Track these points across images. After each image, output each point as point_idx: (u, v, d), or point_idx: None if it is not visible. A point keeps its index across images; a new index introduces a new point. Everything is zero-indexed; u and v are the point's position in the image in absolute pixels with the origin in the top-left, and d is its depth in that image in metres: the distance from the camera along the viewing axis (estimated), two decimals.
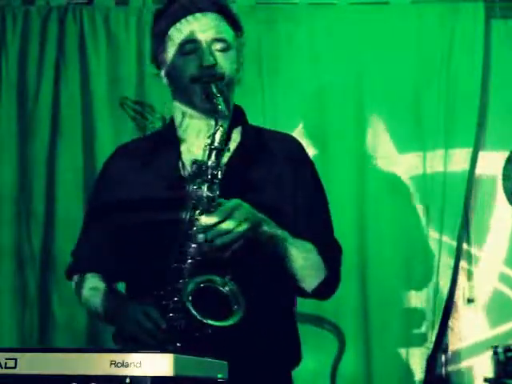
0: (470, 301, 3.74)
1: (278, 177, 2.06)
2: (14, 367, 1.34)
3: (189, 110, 2.07)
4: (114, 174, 2.15)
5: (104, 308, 2.08)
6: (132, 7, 3.81)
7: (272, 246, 1.96)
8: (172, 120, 2.16)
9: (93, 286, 2.15)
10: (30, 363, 1.34)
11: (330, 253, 2.09)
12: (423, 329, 3.66)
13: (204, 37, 2.03)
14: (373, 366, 3.67)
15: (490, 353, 3.43)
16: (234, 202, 1.88)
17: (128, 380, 1.30)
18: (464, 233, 3.74)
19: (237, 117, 2.13)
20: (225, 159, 1.98)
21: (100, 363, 1.31)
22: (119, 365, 1.30)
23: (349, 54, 3.73)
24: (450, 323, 3.73)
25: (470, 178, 3.74)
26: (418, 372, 3.66)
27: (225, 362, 1.56)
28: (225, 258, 1.85)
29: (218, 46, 2.04)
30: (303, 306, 3.45)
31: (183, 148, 2.10)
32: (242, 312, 1.81)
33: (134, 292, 2.08)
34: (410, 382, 3.67)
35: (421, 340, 3.67)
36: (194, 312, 1.79)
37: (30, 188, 3.75)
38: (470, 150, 3.72)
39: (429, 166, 3.73)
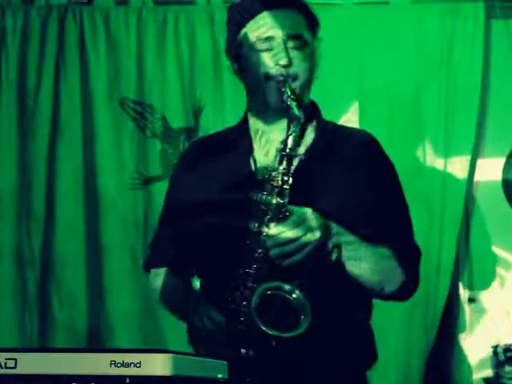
0: (470, 300, 3.74)
1: (351, 178, 2.02)
2: (14, 367, 1.34)
3: (262, 108, 2.05)
4: (187, 171, 2.14)
5: (181, 307, 2.10)
6: (132, 7, 3.81)
7: (341, 253, 1.93)
8: (246, 114, 2.14)
9: (170, 282, 2.14)
10: (30, 363, 1.34)
11: (408, 256, 2.06)
12: (423, 329, 3.66)
13: (280, 34, 2.00)
14: (373, 365, 3.66)
15: (489, 353, 3.44)
16: (305, 210, 1.85)
17: (128, 380, 1.30)
18: (464, 232, 3.74)
19: (311, 112, 2.09)
20: (301, 157, 1.95)
21: (100, 363, 1.31)
22: (119, 365, 1.31)
23: (349, 54, 3.73)
24: (449, 323, 3.73)
25: (470, 177, 3.74)
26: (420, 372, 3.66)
27: (224, 362, 1.56)
28: (293, 265, 1.82)
29: (294, 43, 2.01)
30: None
31: (256, 145, 2.08)
32: (308, 322, 1.78)
33: (209, 291, 2.05)
34: (411, 382, 3.67)
35: (421, 340, 3.66)
36: (258, 322, 1.78)
37: (29, 188, 3.75)
38: (470, 150, 3.72)
39: (429, 165, 3.73)
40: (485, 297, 3.74)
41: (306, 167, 1.98)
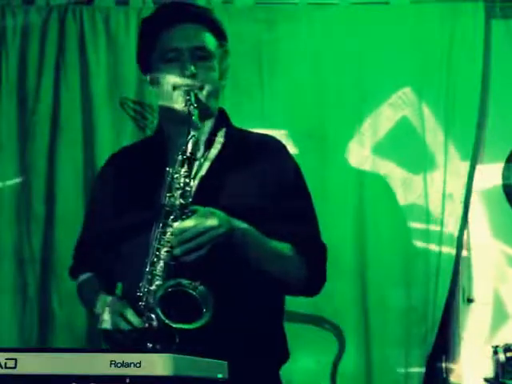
0: (470, 301, 3.74)
1: (258, 179, 2.11)
2: (14, 367, 1.34)
3: (172, 116, 2.17)
4: (107, 180, 2.27)
5: (86, 304, 2.25)
6: (132, 7, 3.81)
7: (246, 250, 2.01)
8: (161, 124, 2.29)
9: (87, 286, 2.29)
10: (30, 363, 1.34)
11: (311, 253, 2.12)
12: (423, 329, 3.66)
13: (185, 46, 2.12)
14: (373, 365, 3.67)
15: (490, 353, 3.44)
16: (208, 209, 1.94)
17: (128, 380, 1.30)
18: (464, 233, 3.74)
19: (221, 119, 2.22)
20: (207, 163, 2.10)
21: (100, 363, 1.31)
22: (119, 365, 1.31)
23: (349, 54, 3.73)
24: (449, 323, 3.73)
25: (470, 177, 3.74)
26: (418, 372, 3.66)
27: (224, 362, 1.56)
28: (197, 261, 1.90)
29: (199, 55, 2.13)
30: (303, 306, 3.47)
31: (171, 154, 2.15)
32: (210, 314, 1.85)
33: (127, 292, 2.13)
34: (411, 382, 3.67)
35: (421, 340, 3.66)
36: (161, 316, 1.86)
37: (29, 188, 3.75)
38: (470, 150, 3.72)
39: (429, 165, 3.73)
40: (484, 297, 3.73)
41: (216, 170, 2.11)
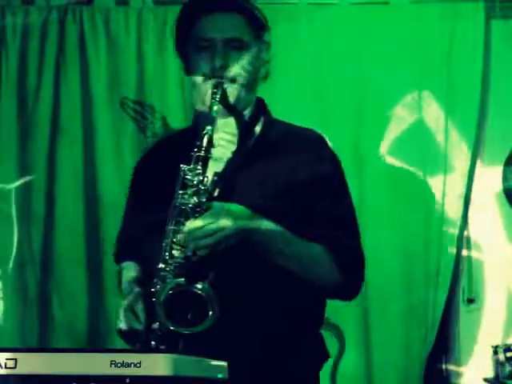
0: (470, 301, 3.74)
1: (294, 174, 2.03)
2: (14, 367, 1.34)
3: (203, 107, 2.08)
4: (150, 167, 2.22)
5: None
6: (132, 7, 3.81)
7: (269, 249, 1.94)
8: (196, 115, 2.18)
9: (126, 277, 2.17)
10: (30, 363, 1.34)
11: (347, 258, 2.03)
12: (423, 329, 3.66)
13: (219, 36, 2.05)
14: (373, 365, 3.67)
15: (490, 353, 3.44)
16: (224, 205, 1.89)
17: (128, 380, 1.30)
18: (464, 232, 3.74)
19: (258, 109, 2.16)
20: (242, 153, 2.01)
21: (100, 363, 1.31)
22: (119, 365, 1.31)
23: (349, 54, 3.73)
24: (449, 323, 3.73)
25: (470, 176, 3.74)
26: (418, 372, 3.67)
27: (224, 363, 1.56)
28: (210, 261, 1.86)
29: (233, 46, 2.06)
30: None
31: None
32: (215, 318, 1.80)
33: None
34: (411, 382, 3.67)
35: (421, 340, 3.67)
36: (164, 319, 1.81)
37: (29, 188, 3.75)
38: (471, 150, 3.72)
39: (429, 165, 3.73)
40: (484, 297, 3.74)
41: (251, 161, 2.03)
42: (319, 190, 2.03)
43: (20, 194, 3.74)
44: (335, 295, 2.11)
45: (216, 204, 1.89)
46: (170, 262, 1.89)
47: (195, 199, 1.90)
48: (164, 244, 1.90)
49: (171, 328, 1.80)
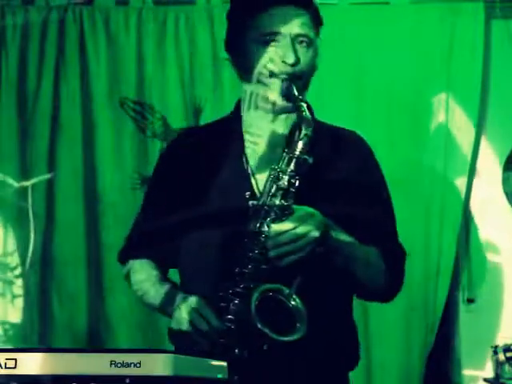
0: (470, 301, 3.74)
1: (343, 179, 2.01)
2: (14, 367, 1.34)
3: (259, 103, 2.02)
4: (175, 163, 2.11)
5: (158, 299, 2.06)
6: (132, 7, 3.81)
7: (340, 254, 1.93)
8: (238, 107, 2.11)
9: (146, 275, 2.12)
10: (30, 363, 1.34)
11: (393, 257, 2.07)
12: (423, 329, 3.66)
13: (288, 31, 1.97)
14: (373, 365, 3.66)
15: (490, 353, 3.43)
16: (307, 209, 1.84)
17: (128, 380, 1.30)
18: (464, 231, 3.74)
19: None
20: (294, 159, 1.92)
21: (100, 363, 1.31)
22: (119, 365, 1.31)
23: (349, 54, 3.73)
24: (449, 323, 3.73)
25: (470, 176, 3.74)
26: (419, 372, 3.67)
27: (224, 363, 1.56)
28: (291, 266, 1.81)
29: (302, 42, 1.99)
30: None
31: (247, 139, 2.05)
32: (304, 330, 1.77)
33: (188, 285, 2.04)
34: (410, 382, 3.67)
35: (421, 340, 3.67)
36: (256, 321, 1.76)
37: (30, 188, 3.75)
38: (470, 149, 3.72)
39: (429, 165, 3.73)
40: (484, 297, 3.74)
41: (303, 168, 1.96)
42: (368, 193, 2.03)
43: (20, 193, 3.74)
44: (377, 297, 2.14)
45: (298, 208, 1.84)
46: (247, 265, 1.83)
47: (283, 202, 1.84)
48: (245, 246, 1.84)
49: (264, 331, 1.75)
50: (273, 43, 1.96)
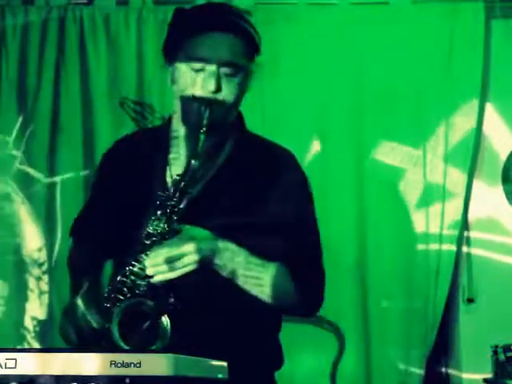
0: (470, 300, 3.74)
1: (262, 190, 2.06)
2: (14, 367, 1.34)
3: (184, 119, 2.09)
4: (111, 169, 2.22)
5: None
6: (132, 7, 3.81)
7: (231, 272, 1.98)
8: (170, 119, 2.18)
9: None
10: (30, 363, 1.34)
11: (307, 277, 2.07)
12: (423, 329, 3.66)
13: (215, 59, 2.00)
14: (373, 366, 3.67)
15: (490, 353, 3.43)
16: (189, 232, 1.91)
17: (128, 380, 1.30)
18: (464, 232, 3.74)
19: (234, 125, 2.13)
20: (212, 171, 2.04)
21: (100, 363, 1.31)
22: (119, 365, 1.31)
23: (349, 54, 3.73)
24: (449, 323, 3.73)
25: (470, 177, 3.74)
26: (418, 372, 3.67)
27: (225, 363, 1.56)
28: (169, 283, 1.89)
29: (227, 70, 2.02)
30: None
31: (172, 151, 2.13)
32: (166, 340, 1.82)
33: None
34: (410, 382, 3.67)
35: (421, 340, 3.67)
36: (116, 336, 1.85)
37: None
38: (470, 149, 3.72)
39: (429, 166, 3.73)
40: (484, 297, 3.74)
41: (220, 179, 2.05)
42: (285, 210, 2.05)
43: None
44: (294, 313, 2.17)
45: (185, 227, 1.92)
46: (128, 277, 1.91)
47: (166, 226, 1.91)
48: (129, 260, 1.92)
49: (123, 346, 1.84)
50: (199, 70, 2.01)
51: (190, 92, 2.02)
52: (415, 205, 3.72)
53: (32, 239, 3.73)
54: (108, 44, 3.78)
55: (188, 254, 1.88)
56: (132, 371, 1.30)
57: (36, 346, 3.63)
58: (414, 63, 3.72)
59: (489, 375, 3.43)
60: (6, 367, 1.34)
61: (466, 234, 3.75)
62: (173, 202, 1.92)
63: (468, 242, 3.76)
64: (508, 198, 3.77)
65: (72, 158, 3.75)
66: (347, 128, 3.74)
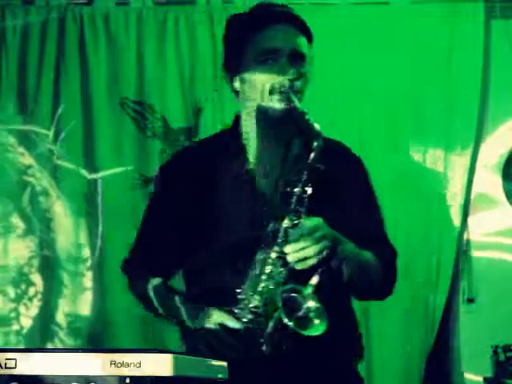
0: (470, 301, 3.74)
1: (336, 187, 2.12)
2: (14, 367, 1.34)
3: (260, 120, 2.09)
4: (178, 177, 2.19)
5: (168, 309, 2.15)
6: (132, 7, 3.81)
7: (343, 261, 2.02)
8: (237, 120, 2.19)
9: (154, 285, 2.20)
10: (30, 363, 1.34)
11: (386, 259, 2.15)
12: (423, 329, 3.66)
13: (284, 47, 2.06)
14: (373, 365, 3.66)
15: (489, 353, 3.44)
16: (317, 220, 1.94)
17: (128, 380, 1.30)
18: (464, 232, 3.74)
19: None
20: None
21: (100, 363, 1.31)
22: (119, 365, 1.31)
23: (349, 54, 3.73)
24: (449, 323, 3.73)
25: (470, 177, 3.74)
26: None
27: (224, 363, 1.56)
28: (307, 270, 1.92)
29: (297, 58, 2.07)
30: None
31: (249, 154, 2.13)
32: (324, 327, 1.86)
33: (193, 294, 2.13)
34: (410, 382, 3.67)
35: (421, 340, 3.67)
36: (285, 320, 1.86)
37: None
38: (470, 150, 3.73)
39: (429, 166, 3.73)
40: (484, 297, 3.74)
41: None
42: (359, 200, 2.17)
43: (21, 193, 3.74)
44: (375, 296, 2.23)
45: (310, 219, 1.95)
46: (265, 268, 1.94)
47: (298, 208, 1.95)
48: (262, 251, 1.95)
49: (289, 325, 1.84)
50: (271, 61, 2.05)
51: (266, 88, 2.04)
52: (415, 203, 3.72)
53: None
54: (108, 44, 3.78)
55: (322, 240, 1.91)
56: (132, 371, 1.30)
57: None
58: (414, 63, 3.72)
59: (489, 375, 3.43)
60: (5, 367, 1.34)
61: (465, 234, 3.74)
62: (304, 195, 1.95)
63: (468, 242, 3.75)
64: (508, 197, 3.77)
65: (72, 159, 3.76)
66: (348, 126, 3.74)
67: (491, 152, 3.77)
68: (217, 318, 1.96)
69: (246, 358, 1.88)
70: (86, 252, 3.72)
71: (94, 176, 3.73)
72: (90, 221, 3.73)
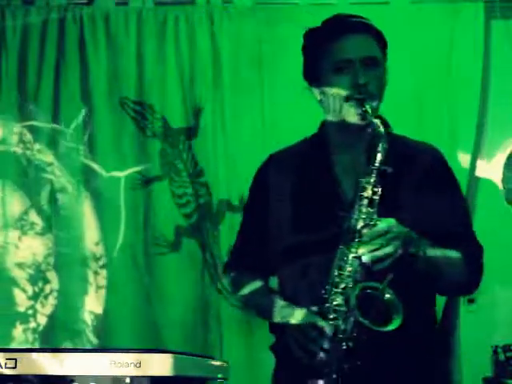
0: (470, 301, 3.73)
1: (420, 188, 2.19)
2: (14, 367, 1.34)
3: (341, 128, 2.22)
4: (269, 183, 2.33)
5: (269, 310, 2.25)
6: (132, 7, 3.81)
7: (419, 261, 2.10)
8: (322, 128, 2.32)
9: (256, 287, 2.33)
10: (30, 363, 1.34)
11: (472, 255, 2.22)
12: None
13: (357, 56, 2.17)
14: None
15: (489, 353, 3.43)
16: (390, 221, 2.04)
17: (128, 380, 1.30)
18: None
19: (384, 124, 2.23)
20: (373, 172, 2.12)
21: (100, 363, 1.31)
22: (119, 365, 1.31)
23: None
24: (449, 323, 3.73)
25: (470, 178, 3.74)
26: None
27: (224, 363, 1.56)
28: (383, 269, 2.01)
29: (370, 64, 2.17)
30: None
31: (335, 159, 2.25)
32: (400, 321, 1.96)
33: (287, 293, 2.24)
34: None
35: None
36: (360, 318, 1.97)
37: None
38: (471, 149, 3.73)
39: None
40: (485, 297, 3.73)
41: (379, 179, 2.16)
42: (445, 199, 2.23)
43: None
44: (461, 292, 2.46)
45: (383, 220, 2.04)
46: (344, 268, 2.04)
47: (370, 209, 2.05)
48: (340, 251, 2.06)
49: (363, 322, 1.95)
50: (345, 70, 2.17)
51: (341, 97, 2.16)
52: None
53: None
54: (108, 44, 3.78)
55: (394, 241, 2.00)
56: (132, 371, 1.31)
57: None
58: (414, 63, 3.72)
59: (488, 375, 3.43)
60: (5, 367, 1.35)
61: None
62: (372, 186, 2.06)
63: None
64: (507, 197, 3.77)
65: (72, 159, 3.75)
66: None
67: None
68: (304, 316, 2.06)
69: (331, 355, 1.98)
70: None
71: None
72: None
